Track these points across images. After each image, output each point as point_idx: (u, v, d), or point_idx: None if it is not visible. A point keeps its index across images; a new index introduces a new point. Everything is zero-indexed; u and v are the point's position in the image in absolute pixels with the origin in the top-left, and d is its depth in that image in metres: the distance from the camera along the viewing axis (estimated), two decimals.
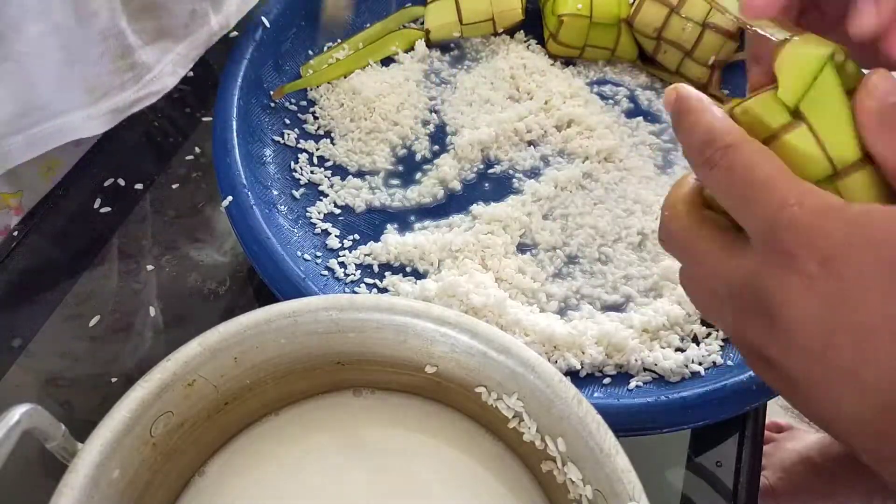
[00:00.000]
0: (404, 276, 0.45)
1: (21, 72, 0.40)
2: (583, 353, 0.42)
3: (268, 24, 0.52)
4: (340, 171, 0.50)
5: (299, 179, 0.49)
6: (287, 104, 0.52)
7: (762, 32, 0.29)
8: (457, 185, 0.50)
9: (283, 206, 0.46)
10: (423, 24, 0.58)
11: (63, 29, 0.41)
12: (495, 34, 0.59)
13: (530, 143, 0.53)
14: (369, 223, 0.48)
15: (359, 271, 0.45)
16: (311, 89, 0.54)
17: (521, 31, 0.60)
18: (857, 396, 0.23)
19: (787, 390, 0.26)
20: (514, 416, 0.30)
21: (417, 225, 0.48)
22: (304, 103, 0.53)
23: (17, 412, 0.25)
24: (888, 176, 0.25)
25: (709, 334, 0.44)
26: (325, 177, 0.50)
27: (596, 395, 0.41)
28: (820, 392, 0.24)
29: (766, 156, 0.25)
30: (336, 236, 0.46)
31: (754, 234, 0.25)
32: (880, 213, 0.23)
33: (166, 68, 0.47)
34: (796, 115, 0.26)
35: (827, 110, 0.26)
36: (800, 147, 0.26)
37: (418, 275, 0.45)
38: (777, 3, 0.30)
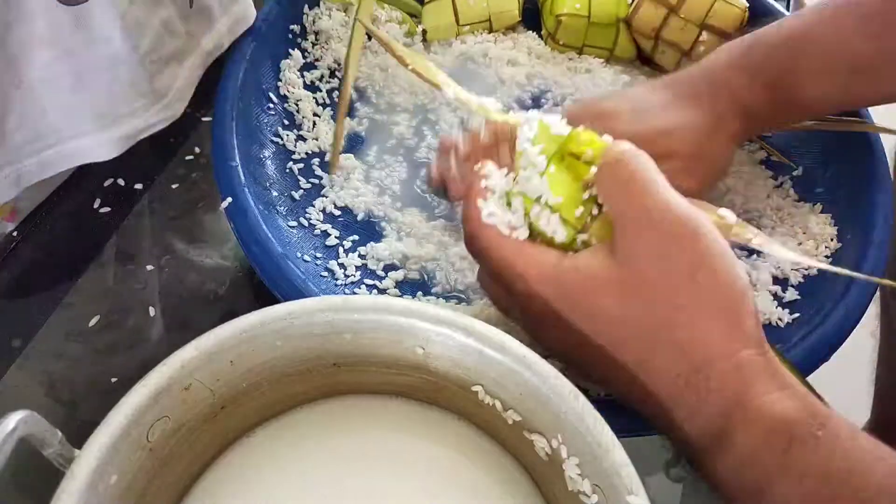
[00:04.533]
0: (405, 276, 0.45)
1: (32, 98, 0.40)
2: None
3: (266, 27, 0.52)
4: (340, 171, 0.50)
5: (299, 180, 0.49)
6: (286, 105, 0.52)
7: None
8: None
9: (282, 207, 0.46)
10: (419, 22, 0.58)
11: (73, 55, 0.40)
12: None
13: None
14: (369, 224, 0.48)
15: (358, 272, 0.45)
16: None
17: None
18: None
19: None
20: (508, 410, 0.31)
21: (418, 225, 0.48)
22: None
23: (14, 419, 0.25)
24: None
25: None
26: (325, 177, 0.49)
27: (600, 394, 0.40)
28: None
29: (500, 242, 0.34)
30: (336, 237, 0.46)
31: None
32: (571, 272, 0.32)
33: (176, 94, 0.47)
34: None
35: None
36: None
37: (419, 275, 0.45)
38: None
